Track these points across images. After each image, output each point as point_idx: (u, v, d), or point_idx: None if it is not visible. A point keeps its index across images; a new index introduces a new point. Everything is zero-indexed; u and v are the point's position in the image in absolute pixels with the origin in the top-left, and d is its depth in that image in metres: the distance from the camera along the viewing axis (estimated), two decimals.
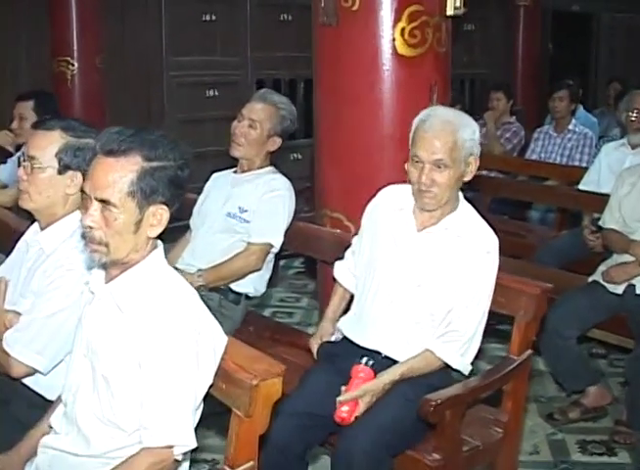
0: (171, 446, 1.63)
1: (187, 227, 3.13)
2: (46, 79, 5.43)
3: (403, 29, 2.77)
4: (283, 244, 2.97)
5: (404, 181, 2.37)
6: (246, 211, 2.92)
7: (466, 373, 2.29)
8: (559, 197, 4.54)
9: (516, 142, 5.69)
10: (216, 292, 2.88)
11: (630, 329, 3.13)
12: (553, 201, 4.72)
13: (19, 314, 2.09)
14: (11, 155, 4.01)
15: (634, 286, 3.14)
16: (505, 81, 6.71)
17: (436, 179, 2.20)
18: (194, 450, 1.72)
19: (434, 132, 2.20)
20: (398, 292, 2.27)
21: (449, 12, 2.83)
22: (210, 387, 1.73)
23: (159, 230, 1.71)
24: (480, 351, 2.31)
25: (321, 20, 2.89)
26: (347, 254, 2.56)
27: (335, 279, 2.60)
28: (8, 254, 2.36)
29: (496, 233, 2.31)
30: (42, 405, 2.01)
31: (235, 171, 3.08)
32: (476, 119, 2.41)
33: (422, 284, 2.25)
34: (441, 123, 2.20)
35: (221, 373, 1.75)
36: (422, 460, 2.16)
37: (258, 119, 2.94)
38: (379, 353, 2.27)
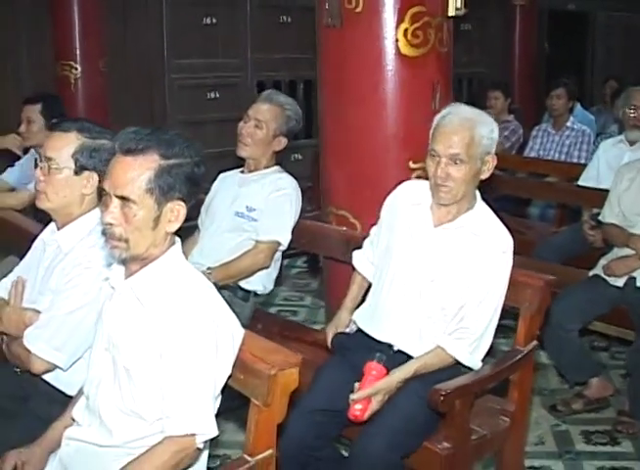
0: (194, 435, 1.67)
1: (195, 227, 3.15)
2: (48, 80, 5.42)
3: (406, 30, 2.81)
4: (290, 242, 3.01)
5: (407, 179, 2.41)
6: (253, 209, 2.97)
7: (476, 370, 2.31)
8: (559, 193, 4.53)
9: (514, 140, 5.70)
10: (226, 289, 2.89)
11: (631, 321, 3.18)
12: (553, 197, 4.71)
13: (38, 312, 2.13)
14: (19, 158, 4.01)
15: (635, 279, 3.19)
16: (503, 80, 6.72)
17: (452, 174, 2.22)
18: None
19: (453, 127, 2.22)
20: (412, 285, 2.30)
21: (451, 12, 2.88)
22: (229, 378, 1.78)
23: (176, 226, 1.76)
24: None
25: (325, 21, 2.93)
26: (366, 243, 2.59)
27: (354, 268, 2.62)
28: (22, 256, 2.40)
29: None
30: (62, 401, 2.04)
31: (242, 171, 3.12)
32: None
33: (435, 279, 2.27)
34: (460, 120, 2.23)
35: (239, 364, 1.79)
36: (432, 449, 2.21)
37: (264, 120, 2.98)
38: (391, 347, 2.30)
